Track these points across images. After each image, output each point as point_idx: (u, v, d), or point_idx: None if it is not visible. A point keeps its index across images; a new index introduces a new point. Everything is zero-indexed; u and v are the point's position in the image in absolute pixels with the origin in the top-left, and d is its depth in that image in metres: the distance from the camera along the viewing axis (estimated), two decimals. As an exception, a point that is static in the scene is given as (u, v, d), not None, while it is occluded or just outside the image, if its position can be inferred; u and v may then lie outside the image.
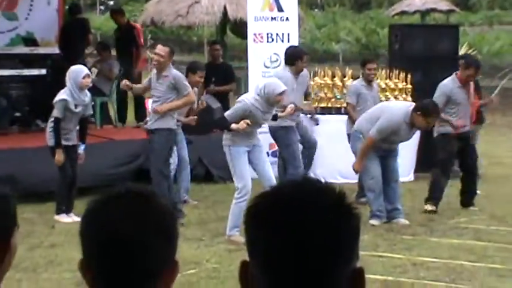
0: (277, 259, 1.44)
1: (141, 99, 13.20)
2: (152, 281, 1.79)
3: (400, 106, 9.91)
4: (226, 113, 9.00)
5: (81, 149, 9.90)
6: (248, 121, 8.61)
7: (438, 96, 10.28)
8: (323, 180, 1.53)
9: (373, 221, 9.60)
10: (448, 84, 10.43)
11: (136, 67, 14.43)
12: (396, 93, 12.83)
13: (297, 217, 1.44)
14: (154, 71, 9.81)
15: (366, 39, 32.73)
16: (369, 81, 11.30)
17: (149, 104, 10.37)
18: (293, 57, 11.04)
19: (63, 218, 9.64)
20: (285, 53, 11.26)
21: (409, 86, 12.83)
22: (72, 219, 9.52)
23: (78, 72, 9.75)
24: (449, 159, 10.48)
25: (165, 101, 9.62)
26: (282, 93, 8.78)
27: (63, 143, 9.63)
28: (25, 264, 7.57)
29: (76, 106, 9.63)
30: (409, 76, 12.77)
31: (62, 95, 9.62)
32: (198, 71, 10.72)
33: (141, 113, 13.54)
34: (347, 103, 11.35)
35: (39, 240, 8.66)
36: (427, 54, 13.41)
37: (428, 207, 10.32)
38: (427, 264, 7.78)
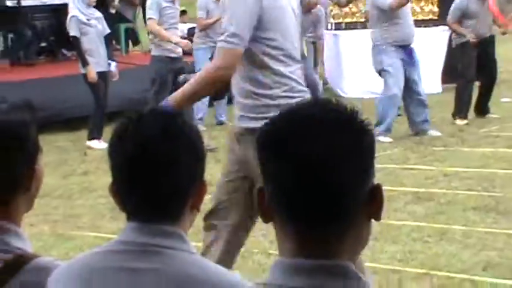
0: (293, 183, 1.43)
1: None
2: (180, 198, 1.81)
3: None
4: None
5: (113, 66, 9.93)
6: None
7: (452, 11, 10.22)
8: (334, 99, 1.51)
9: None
10: None
11: None
12: (422, 3, 12.65)
13: (310, 139, 1.43)
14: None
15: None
16: None
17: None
18: None
19: (95, 144, 9.72)
20: None
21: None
22: (103, 145, 9.61)
23: None
24: (470, 67, 10.35)
25: None
26: None
27: (97, 69, 9.62)
28: (59, 191, 7.68)
29: (88, 20, 9.63)
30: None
31: (70, 14, 9.66)
32: None
33: None
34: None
35: (72, 168, 8.76)
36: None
37: (458, 121, 10.27)
38: (459, 174, 7.78)
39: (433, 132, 9.65)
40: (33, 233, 6.00)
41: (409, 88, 9.60)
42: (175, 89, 3.99)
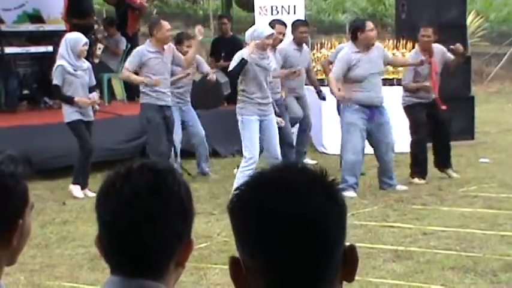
0: (272, 251, 1.46)
1: None
2: (165, 255, 1.79)
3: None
4: (231, 68, 9.14)
5: (93, 94, 9.78)
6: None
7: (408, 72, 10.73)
8: (304, 163, 1.55)
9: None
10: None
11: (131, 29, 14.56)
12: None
13: (287, 207, 1.45)
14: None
15: (372, 9, 32.56)
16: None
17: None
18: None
19: (76, 191, 9.63)
20: None
21: (417, 55, 12.74)
22: (84, 194, 9.50)
23: (77, 40, 9.63)
24: (420, 128, 10.35)
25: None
26: (270, 36, 9.12)
27: (80, 117, 9.55)
28: (37, 240, 7.62)
29: (75, 70, 9.56)
30: (416, 45, 12.68)
31: (57, 62, 9.58)
32: (185, 41, 10.71)
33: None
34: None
35: (51, 217, 8.70)
36: (434, 22, 13.34)
37: (416, 180, 10.29)
38: (437, 233, 7.79)
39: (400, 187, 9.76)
40: (8, 282, 5.94)
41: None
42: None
